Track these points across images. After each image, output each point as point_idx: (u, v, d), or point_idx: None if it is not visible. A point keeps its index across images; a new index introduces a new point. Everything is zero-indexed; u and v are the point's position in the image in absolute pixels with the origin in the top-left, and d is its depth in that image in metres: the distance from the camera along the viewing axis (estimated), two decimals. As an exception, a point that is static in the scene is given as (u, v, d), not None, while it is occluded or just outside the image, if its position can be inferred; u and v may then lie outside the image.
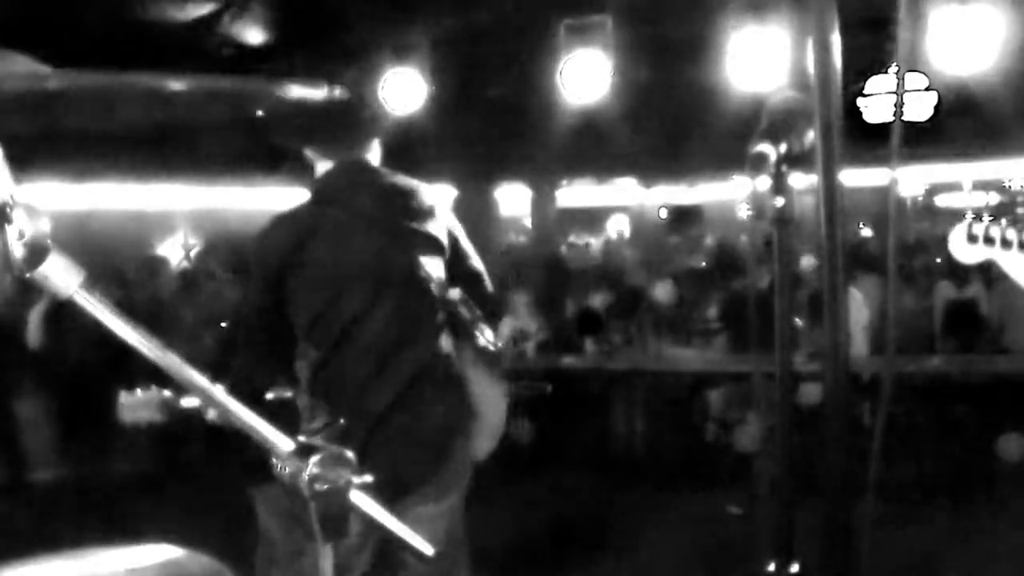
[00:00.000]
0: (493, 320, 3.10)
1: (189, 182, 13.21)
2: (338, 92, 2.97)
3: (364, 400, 2.65)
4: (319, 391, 2.72)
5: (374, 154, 2.89)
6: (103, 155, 9.01)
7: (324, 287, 2.71)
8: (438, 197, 2.90)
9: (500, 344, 2.96)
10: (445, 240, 2.85)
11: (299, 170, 2.98)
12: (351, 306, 2.70)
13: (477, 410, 2.84)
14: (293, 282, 2.71)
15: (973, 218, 2.37)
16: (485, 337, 2.84)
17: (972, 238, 2.34)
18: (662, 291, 7.91)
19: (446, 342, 2.79)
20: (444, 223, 2.86)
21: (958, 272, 7.58)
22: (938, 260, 8.70)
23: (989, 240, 2.33)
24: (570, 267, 10.82)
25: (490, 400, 2.87)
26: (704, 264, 9.56)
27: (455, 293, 2.80)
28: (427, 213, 2.82)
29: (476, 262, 2.99)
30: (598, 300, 8.25)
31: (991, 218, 2.37)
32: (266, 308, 2.75)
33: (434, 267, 2.78)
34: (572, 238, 16.79)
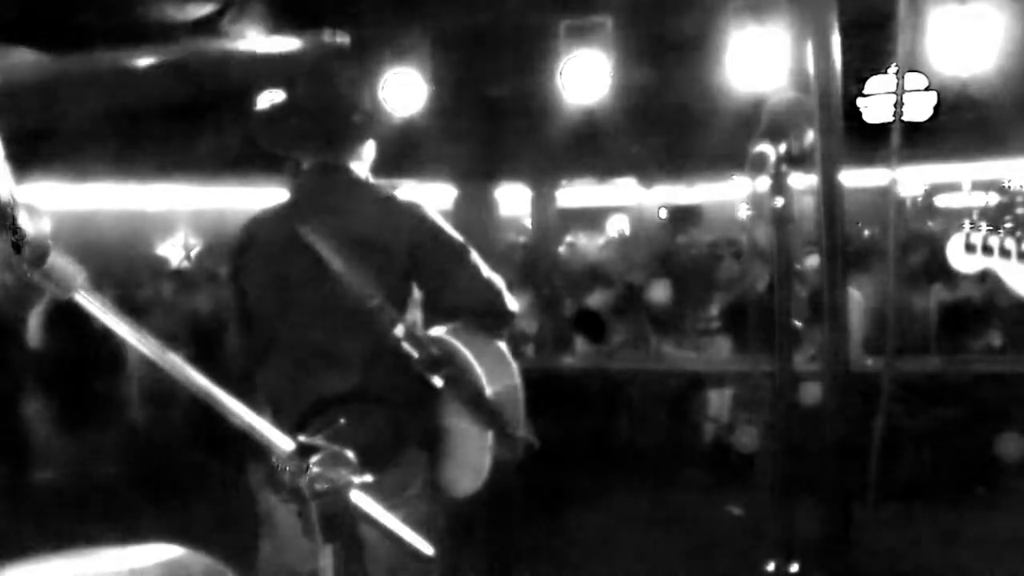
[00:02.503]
0: (498, 335, 2.74)
1: (189, 182, 13.21)
2: (325, 91, 2.83)
3: (278, 415, 2.53)
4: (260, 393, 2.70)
5: (359, 158, 2.74)
6: (103, 155, 9.01)
7: (256, 293, 2.72)
8: (415, 212, 2.63)
9: (490, 388, 2.57)
10: (407, 260, 2.59)
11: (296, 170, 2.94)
12: (273, 320, 2.67)
13: (452, 446, 2.64)
14: (242, 282, 2.75)
15: (971, 227, 2.36)
16: (445, 374, 2.52)
17: (970, 247, 2.33)
18: (659, 291, 7.90)
19: (388, 367, 2.54)
20: (411, 241, 2.59)
21: (948, 273, 7.57)
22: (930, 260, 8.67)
23: (987, 249, 2.31)
24: (568, 267, 10.82)
25: (469, 439, 2.62)
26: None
27: (400, 330, 2.48)
28: (390, 229, 2.60)
29: (474, 280, 2.65)
30: (594, 299, 8.24)
31: (990, 227, 2.36)
32: (235, 304, 2.80)
33: (387, 288, 2.53)
34: (569, 238, 16.81)
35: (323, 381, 2.57)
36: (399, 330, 2.49)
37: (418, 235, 2.60)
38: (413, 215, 2.62)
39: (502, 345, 2.74)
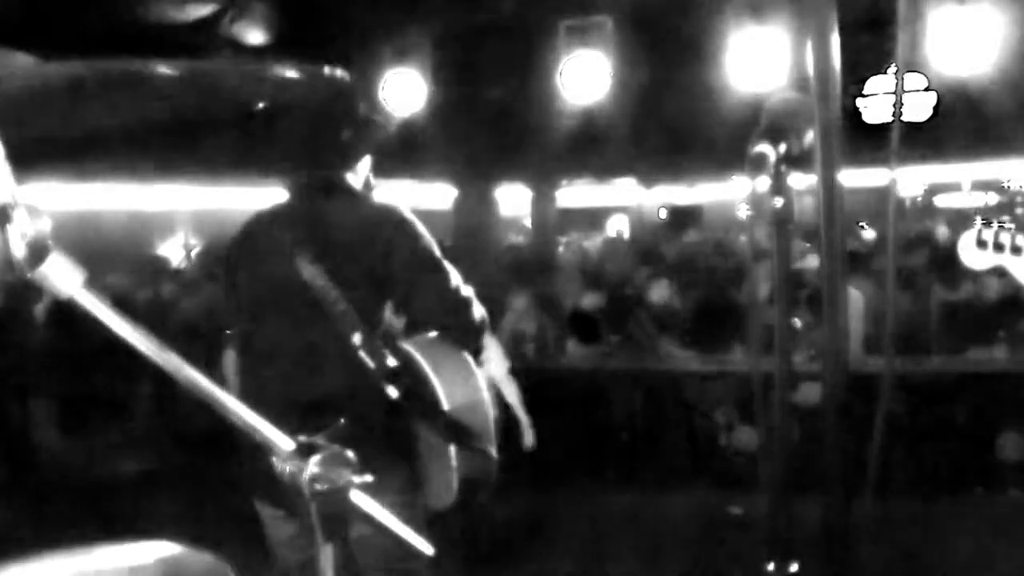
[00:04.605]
0: (470, 348, 2.71)
1: (189, 182, 13.22)
2: (313, 110, 2.85)
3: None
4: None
5: (351, 170, 2.76)
6: (103, 155, 9.01)
7: (241, 298, 2.75)
8: (393, 220, 2.62)
9: (449, 402, 2.54)
10: (381, 268, 2.58)
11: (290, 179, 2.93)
12: (252, 321, 2.70)
13: (424, 459, 2.61)
14: (233, 278, 2.78)
15: (983, 224, 2.36)
16: (400, 385, 2.49)
17: (982, 244, 2.33)
18: (658, 291, 7.89)
19: (352, 376, 2.52)
20: (385, 250, 2.58)
21: (948, 273, 7.58)
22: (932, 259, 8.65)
23: (999, 246, 2.32)
24: (566, 267, 10.82)
25: (434, 453, 2.58)
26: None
27: (357, 338, 2.47)
28: (368, 238, 2.59)
29: (441, 293, 2.63)
30: (589, 301, 8.22)
31: (1000, 224, 2.36)
32: (226, 300, 2.83)
33: (356, 296, 2.52)
34: (566, 238, 16.81)
35: (291, 387, 2.57)
36: (356, 338, 2.48)
37: (392, 244, 2.59)
38: (391, 223, 2.61)
39: (468, 358, 2.68)
